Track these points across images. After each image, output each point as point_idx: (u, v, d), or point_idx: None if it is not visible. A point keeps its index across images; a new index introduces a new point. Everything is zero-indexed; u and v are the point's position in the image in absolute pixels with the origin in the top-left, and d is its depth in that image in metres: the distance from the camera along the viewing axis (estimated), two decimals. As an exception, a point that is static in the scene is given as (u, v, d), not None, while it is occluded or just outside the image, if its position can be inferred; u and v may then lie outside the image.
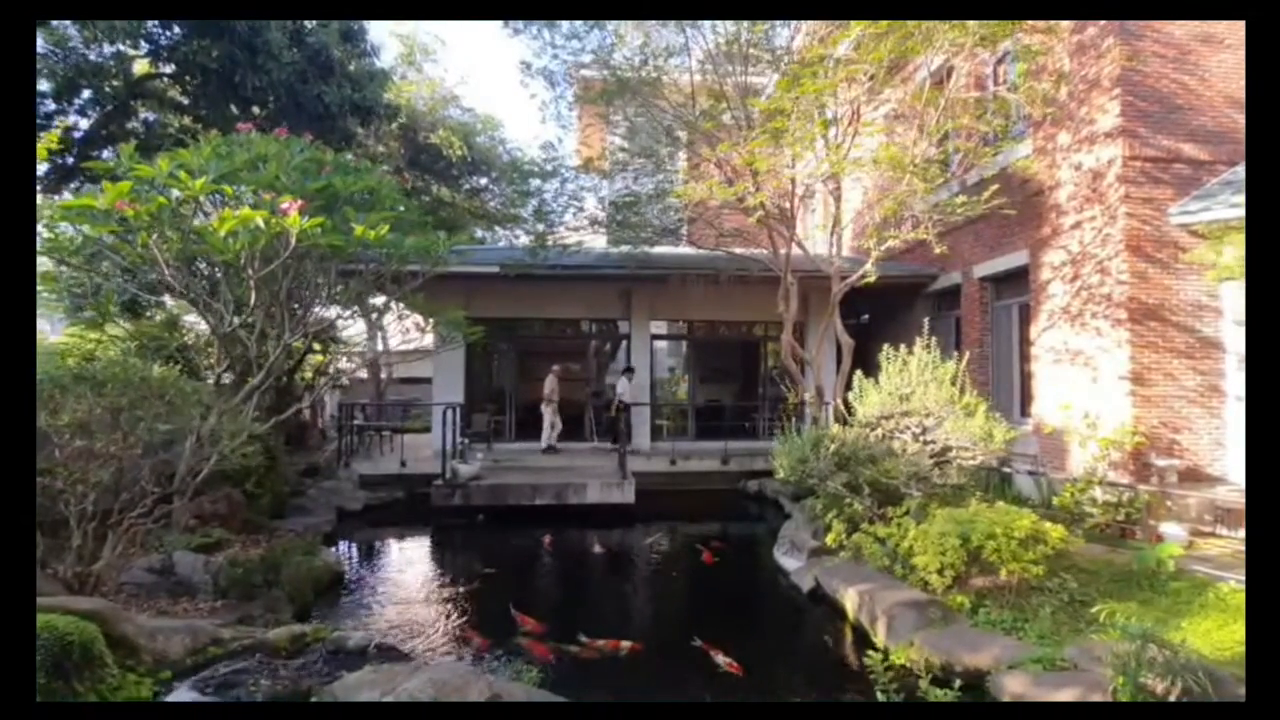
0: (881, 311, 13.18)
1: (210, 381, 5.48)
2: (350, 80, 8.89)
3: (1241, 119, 7.78)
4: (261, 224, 4.84)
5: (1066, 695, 3.76)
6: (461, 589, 6.75)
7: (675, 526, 9.42)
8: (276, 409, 8.93)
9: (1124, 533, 6.71)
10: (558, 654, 4.77)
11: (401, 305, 10.60)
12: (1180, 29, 7.78)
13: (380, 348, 16.91)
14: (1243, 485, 7.28)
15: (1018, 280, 9.66)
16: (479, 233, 18.92)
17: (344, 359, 14.67)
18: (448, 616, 5.77)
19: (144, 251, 4.90)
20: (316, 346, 11.87)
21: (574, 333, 14.95)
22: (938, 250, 8.44)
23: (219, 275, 6.21)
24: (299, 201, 4.83)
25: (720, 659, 4.74)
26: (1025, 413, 9.53)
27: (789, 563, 6.92)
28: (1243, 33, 7.75)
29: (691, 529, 9.24)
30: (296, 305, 6.22)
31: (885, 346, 7.20)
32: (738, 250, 10.83)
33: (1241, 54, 7.83)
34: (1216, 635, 4.50)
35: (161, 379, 4.36)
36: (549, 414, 12.51)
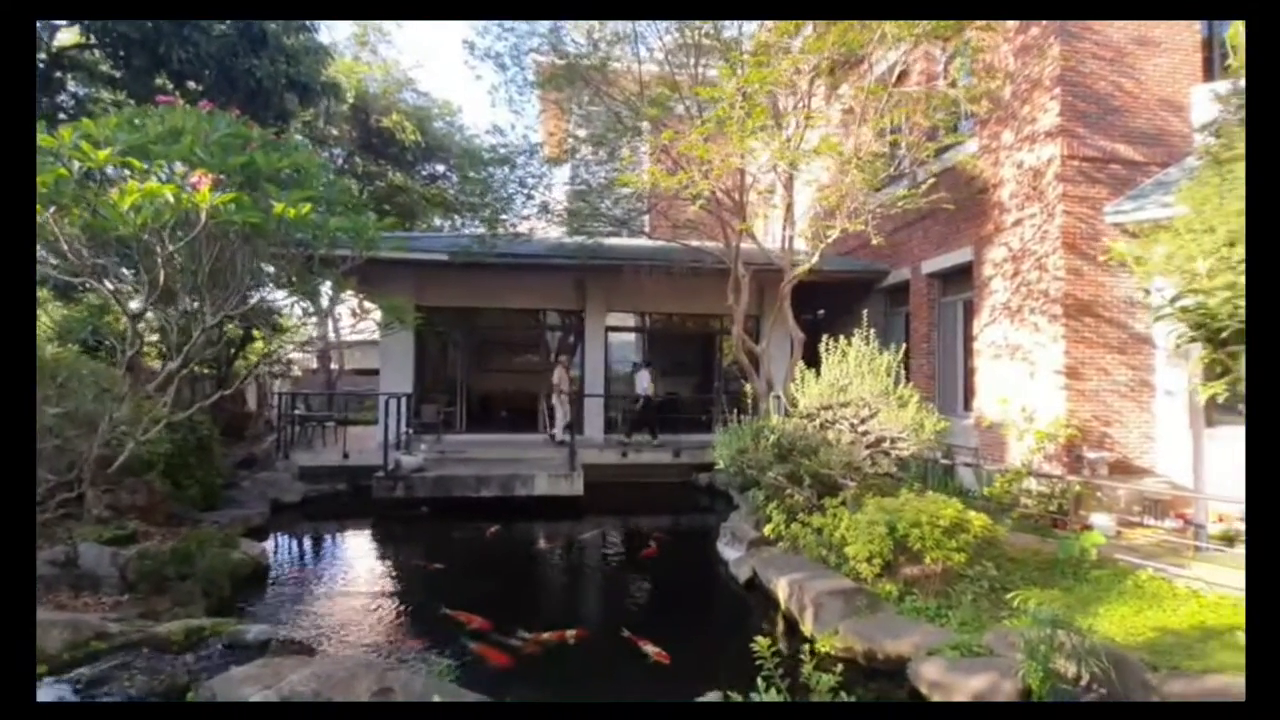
0: (836, 307, 13.29)
1: (122, 365, 5.19)
2: (286, 55, 8.52)
3: (1175, 121, 8.00)
4: (171, 198, 4.60)
5: (979, 680, 3.80)
6: (395, 584, 6.59)
7: (623, 519, 9.37)
8: (218, 398, 8.59)
9: (1055, 523, 6.86)
10: (500, 650, 4.64)
11: (348, 291, 10.27)
12: (1118, 32, 7.95)
13: (331, 337, 16.45)
14: (1170, 477, 7.53)
15: (963, 277, 9.81)
16: (437, 221, 18.53)
17: (291, 348, 14.22)
18: (375, 612, 5.60)
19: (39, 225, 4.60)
20: (257, 334, 11.48)
21: (532, 323, 14.74)
22: (875, 242, 8.52)
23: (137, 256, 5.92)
24: (210, 176, 4.59)
25: (649, 649, 4.71)
26: (968, 407, 9.70)
27: (729, 553, 6.91)
28: (1177, 36, 8.05)
29: (639, 521, 9.19)
30: (219, 288, 5.93)
31: (825, 337, 7.22)
32: (693, 242, 10.79)
33: (1175, 58, 8.05)
34: (1131, 621, 4.63)
35: (54, 360, 4.10)
36: (560, 406, 12.26)
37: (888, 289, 11.93)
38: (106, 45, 8.35)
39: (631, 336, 14.54)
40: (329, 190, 7.10)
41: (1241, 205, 4.44)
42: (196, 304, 5.92)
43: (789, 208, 9.47)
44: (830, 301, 13.30)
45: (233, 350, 11.34)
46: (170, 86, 9.06)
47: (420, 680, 3.06)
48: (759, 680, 2.58)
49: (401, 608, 5.73)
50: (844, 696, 2.62)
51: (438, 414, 12.57)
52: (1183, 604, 4.82)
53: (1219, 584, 4.93)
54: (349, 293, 8.16)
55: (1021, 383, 8.31)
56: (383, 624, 5.31)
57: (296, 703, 2.73)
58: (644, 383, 12.60)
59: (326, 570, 6.98)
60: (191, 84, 9.11)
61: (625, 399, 13.91)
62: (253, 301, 5.84)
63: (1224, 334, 4.04)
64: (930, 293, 10.56)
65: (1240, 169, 4.79)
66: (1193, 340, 4.41)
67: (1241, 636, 4.27)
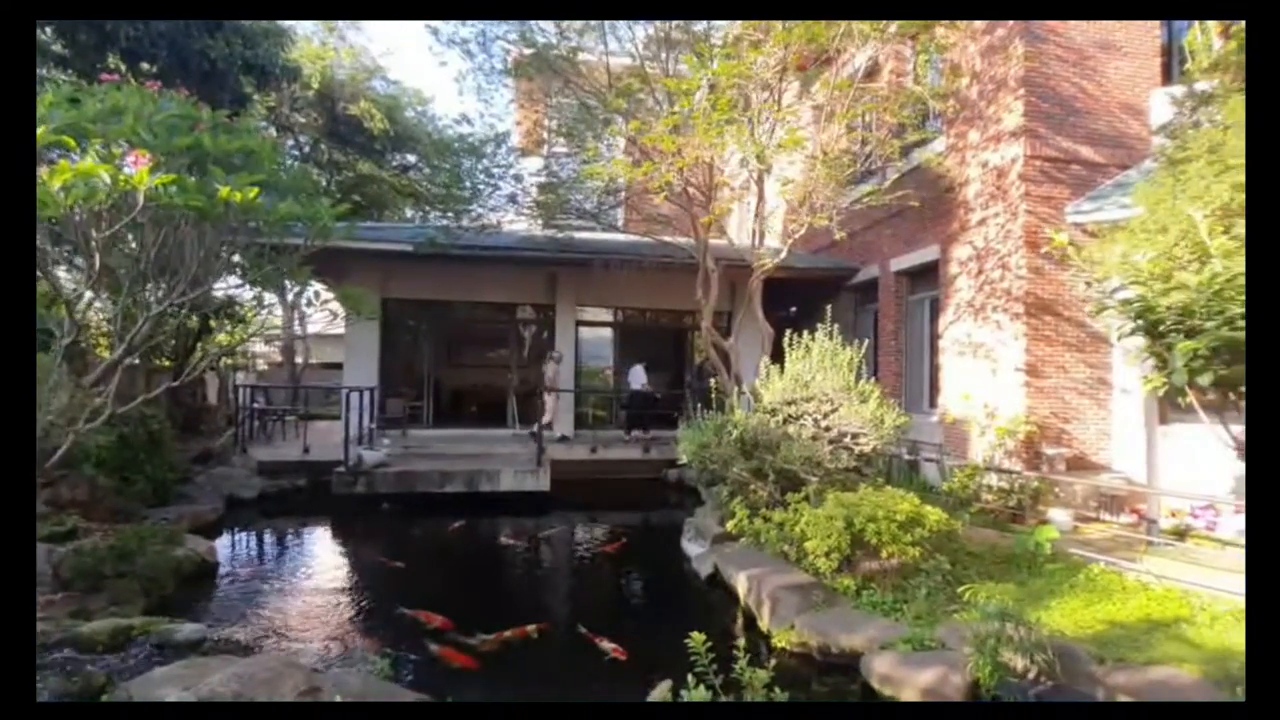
0: (808, 305, 13.31)
1: (59, 354, 4.96)
2: (242, 37, 8.24)
3: (1134, 124, 8.14)
4: (107, 179, 4.40)
5: (929, 674, 3.80)
6: (351, 582, 6.43)
7: (590, 515, 9.29)
8: (173, 391, 8.26)
9: (1014, 518, 6.95)
10: (460, 650, 4.52)
11: (308, 282, 10.00)
12: (1081, 35, 8.05)
13: (296, 330, 16.08)
14: (1126, 473, 7.67)
15: (930, 275, 9.89)
16: (408, 212, 18.21)
17: (252, 339, 13.85)
18: (328, 611, 5.45)
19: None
20: (214, 324, 11.16)
21: (503, 317, 14.56)
22: (838, 237, 8.56)
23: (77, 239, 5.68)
24: (150, 156, 4.41)
25: (606, 645, 4.65)
26: (934, 403, 9.79)
27: (692, 549, 6.88)
28: (1138, 41, 8.19)
29: (606, 517, 9.12)
30: (166, 275, 5.70)
31: (789, 333, 7.22)
32: (666, 238, 10.73)
33: (1136, 62, 8.19)
34: (1081, 614, 4.67)
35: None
36: (550, 401, 12.06)
37: (858, 286, 12.00)
38: (49, 19, 8.02)
39: (603, 331, 14.44)
40: (288, 176, 6.88)
41: (1193, 206, 4.52)
42: (144, 292, 5.69)
43: (759, 201, 9.45)
44: (802, 299, 13.33)
45: (191, 342, 11.00)
46: (123, 67, 8.74)
47: (356, 680, 2.96)
48: (689, 676, 2.53)
49: (356, 607, 5.58)
50: (778, 692, 2.58)
51: (404, 408, 12.35)
52: (1132, 597, 4.89)
53: (1168, 577, 5.02)
54: (311, 283, 7.93)
55: (984, 380, 8.40)
56: (334, 624, 5.16)
57: (305, 702, 2.61)
58: (639, 378, 12.52)
59: (279, 568, 6.78)
60: (145, 65, 8.79)
61: (598, 393, 13.82)
62: (204, 289, 5.64)
63: (1160, 326, 4.09)
64: (899, 290, 10.64)
65: (1192, 170, 4.89)
66: (1133, 333, 4.48)
67: (1186, 629, 4.35)
